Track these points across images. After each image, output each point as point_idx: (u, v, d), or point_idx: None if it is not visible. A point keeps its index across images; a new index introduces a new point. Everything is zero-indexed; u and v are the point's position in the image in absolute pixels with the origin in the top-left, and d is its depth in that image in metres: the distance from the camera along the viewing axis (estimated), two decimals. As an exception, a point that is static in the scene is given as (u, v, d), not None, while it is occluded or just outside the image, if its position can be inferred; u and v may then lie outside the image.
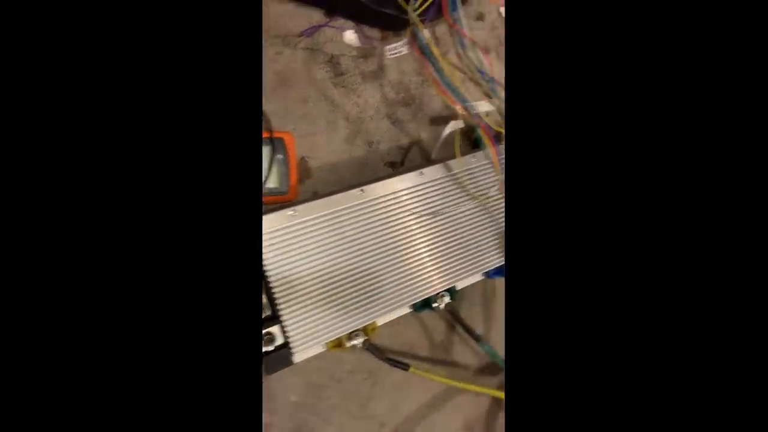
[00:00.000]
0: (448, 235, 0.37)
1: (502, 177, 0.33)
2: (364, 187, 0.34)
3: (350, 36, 0.33)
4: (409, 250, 0.36)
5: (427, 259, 0.37)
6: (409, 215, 0.36)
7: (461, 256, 0.38)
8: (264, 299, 0.31)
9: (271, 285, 0.31)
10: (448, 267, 0.38)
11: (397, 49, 0.33)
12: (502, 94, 0.40)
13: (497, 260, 0.40)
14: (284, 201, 0.35)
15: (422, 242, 0.36)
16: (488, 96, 0.39)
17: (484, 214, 0.39)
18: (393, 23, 0.38)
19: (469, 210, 0.38)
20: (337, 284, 0.33)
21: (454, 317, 0.41)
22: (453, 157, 0.37)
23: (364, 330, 0.35)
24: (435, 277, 0.37)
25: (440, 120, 0.43)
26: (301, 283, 0.32)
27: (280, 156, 0.35)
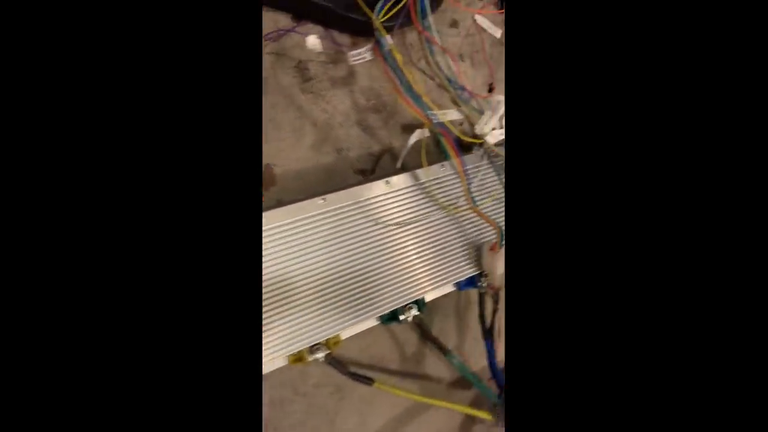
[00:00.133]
0: (416, 245, 0.37)
1: (468, 187, 0.32)
2: (326, 196, 0.33)
3: (313, 41, 0.32)
4: (374, 261, 0.35)
5: (394, 270, 0.36)
6: (374, 225, 0.35)
7: (430, 267, 0.37)
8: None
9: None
10: (416, 278, 0.37)
11: (361, 54, 0.32)
12: (473, 102, 0.40)
13: (468, 271, 0.39)
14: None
15: (389, 253, 0.35)
16: (457, 104, 0.38)
17: (453, 225, 0.38)
18: (362, 28, 0.37)
19: (438, 220, 0.37)
20: (298, 296, 0.32)
21: (421, 330, 0.40)
22: (424, 165, 0.36)
23: (327, 343, 0.34)
24: (402, 289, 0.36)
25: (413, 127, 0.42)
26: (258, 296, 0.31)
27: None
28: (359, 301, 0.34)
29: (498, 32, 0.47)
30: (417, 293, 0.37)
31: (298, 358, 0.33)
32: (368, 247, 0.34)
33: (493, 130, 0.36)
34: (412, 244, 0.36)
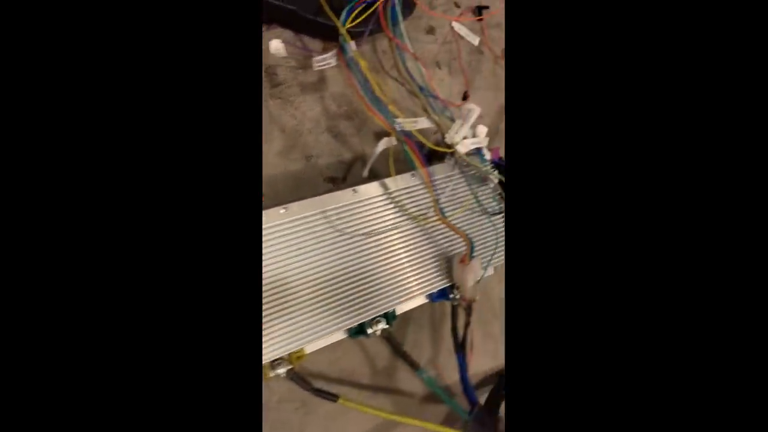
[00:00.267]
0: (385, 256, 0.35)
1: (436, 197, 0.31)
2: (288, 205, 0.32)
3: (276, 45, 0.31)
4: (341, 274, 0.34)
5: (362, 282, 0.34)
6: (340, 236, 0.34)
7: (400, 279, 0.36)
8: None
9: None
10: (385, 290, 0.35)
11: (326, 60, 0.31)
12: (447, 111, 0.39)
13: (439, 283, 0.38)
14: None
15: (356, 265, 0.34)
16: (428, 112, 0.38)
17: (424, 236, 0.37)
18: (332, 34, 0.36)
19: (408, 231, 0.36)
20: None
21: (391, 344, 0.39)
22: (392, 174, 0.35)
23: (290, 358, 0.33)
24: (371, 301, 0.35)
25: (385, 135, 0.41)
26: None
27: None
28: (325, 314, 0.33)
29: (476, 40, 0.47)
30: (387, 305, 0.35)
31: (257, 373, 0.32)
32: (334, 259, 0.33)
33: (464, 139, 0.35)
34: (381, 256, 0.35)
